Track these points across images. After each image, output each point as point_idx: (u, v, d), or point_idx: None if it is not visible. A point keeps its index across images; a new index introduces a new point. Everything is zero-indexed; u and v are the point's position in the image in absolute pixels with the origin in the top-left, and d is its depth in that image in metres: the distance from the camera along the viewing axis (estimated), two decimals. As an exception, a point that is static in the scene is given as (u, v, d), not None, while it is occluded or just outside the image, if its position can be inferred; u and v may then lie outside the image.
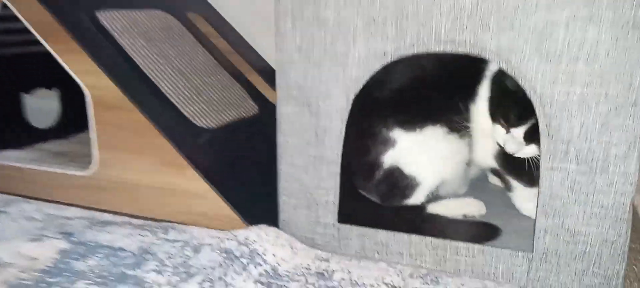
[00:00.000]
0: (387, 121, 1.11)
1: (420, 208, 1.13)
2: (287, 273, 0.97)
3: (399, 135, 1.11)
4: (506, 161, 1.10)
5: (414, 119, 1.10)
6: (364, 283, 0.93)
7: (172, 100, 1.24)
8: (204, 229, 1.10)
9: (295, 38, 1.01)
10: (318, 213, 1.08)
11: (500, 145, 1.03)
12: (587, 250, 0.89)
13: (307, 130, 1.05)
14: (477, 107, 1.10)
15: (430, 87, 1.12)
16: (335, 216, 1.06)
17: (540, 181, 0.90)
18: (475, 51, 0.89)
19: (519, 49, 0.86)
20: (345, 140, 1.03)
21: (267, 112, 1.45)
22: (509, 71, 0.88)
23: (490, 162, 1.14)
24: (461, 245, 0.97)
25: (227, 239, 1.03)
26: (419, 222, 1.09)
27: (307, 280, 0.95)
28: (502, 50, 0.87)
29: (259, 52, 1.75)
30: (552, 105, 0.86)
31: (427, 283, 0.93)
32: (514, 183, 1.12)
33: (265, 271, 0.97)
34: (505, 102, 1.01)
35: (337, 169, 1.04)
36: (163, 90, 1.24)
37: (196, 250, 1.01)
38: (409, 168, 1.11)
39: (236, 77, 1.51)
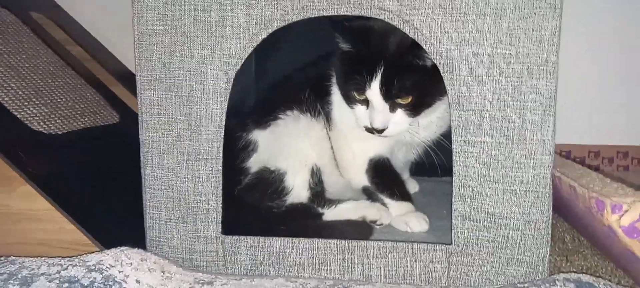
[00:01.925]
0: (245, 125, 1.03)
1: (312, 211, 0.97)
2: (155, 304, 0.73)
3: (257, 135, 1.02)
4: (377, 176, 1.03)
5: (267, 115, 1.03)
6: (256, 304, 0.73)
7: (-3, 98, 0.95)
8: (41, 259, 0.82)
9: (158, 4, 0.82)
10: (196, 225, 0.86)
11: (369, 129, 0.92)
12: (510, 235, 0.78)
13: (177, 121, 0.84)
14: (334, 114, 1.03)
15: (279, 86, 1.12)
16: (218, 227, 0.85)
17: (453, 159, 0.78)
18: (373, 12, 0.77)
19: (421, 7, 0.75)
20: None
21: (129, 121, 1.21)
22: (411, 34, 0.76)
23: (362, 180, 1.04)
24: (371, 244, 0.81)
25: (72, 266, 0.76)
26: (318, 227, 0.93)
27: (182, 309, 0.72)
28: (403, 9, 0.76)
29: (119, 59, 1.50)
30: (461, 70, 0.75)
31: (334, 294, 0.76)
32: (387, 200, 1.02)
33: (124, 303, 0.72)
34: (351, 68, 0.92)
35: (218, 167, 0.84)
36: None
37: (25, 283, 0.73)
38: (274, 164, 1.00)
39: (92, 83, 1.25)
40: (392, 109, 0.90)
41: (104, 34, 1.50)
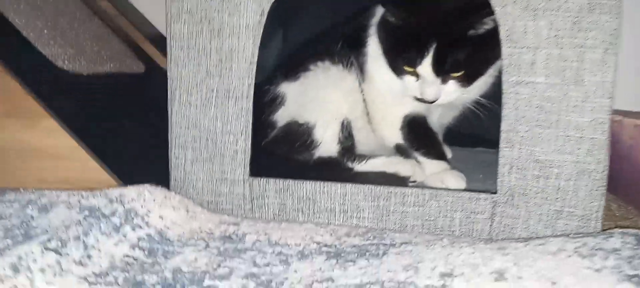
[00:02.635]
0: (272, 78, 0.98)
1: (341, 166, 0.93)
2: (180, 238, 0.69)
3: (286, 88, 0.97)
4: (412, 133, 0.97)
5: (296, 66, 0.98)
6: (287, 243, 0.68)
7: (23, 33, 0.93)
8: (59, 191, 0.78)
9: None
10: (223, 166, 0.82)
11: (418, 99, 0.88)
12: (561, 185, 0.72)
13: (207, 56, 0.80)
14: (369, 67, 0.97)
15: (310, 38, 1.06)
16: (247, 169, 0.81)
17: (502, 102, 0.73)
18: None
19: None
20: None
21: (155, 73, 1.18)
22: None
23: (396, 137, 0.99)
24: (408, 191, 0.76)
25: (93, 196, 0.73)
26: (350, 176, 0.89)
27: (208, 245, 0.68)
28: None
29: (150, 20, 1.46)
30: (515, 3, 0.70)
31: (368, 240, 0.71)
32: (421, 158, 0.96)
33: (148, 235, 0.68)
34: (400, 42, 0.87)
35: (248, 105, 0.80)
36: (10, 19, 0.92)
37: (44, 209, 0.70)
38: (303, 117, 0.95)
39: (119, 34, 1.22)
40: (444, 81, 0.85)
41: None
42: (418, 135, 0.98)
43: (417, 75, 0.87)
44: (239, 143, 0.81)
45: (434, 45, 0.81)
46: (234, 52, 0.79)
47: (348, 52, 0.99)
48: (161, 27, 1.39)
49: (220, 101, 0.80)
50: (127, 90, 1.07)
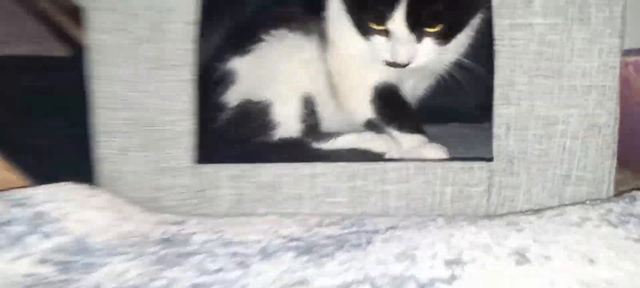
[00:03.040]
0: (218, 53, 0.82)
1: (305, 146, 0.79)
2: (106, 246, 0.54)
3: (236, 63, 0.82)
4: (384, 105, 0.84)
5: (247, 38, 0.83)
6: (245, 241, 0.54)
7: None
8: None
9: None
10: (162, 153, 0.66)
11: (389, 63, 0.75)
12: (567, 144, 0.61)
13: (135, 17, 0.64)
14: (330, 32, 0.83)
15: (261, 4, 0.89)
16: (193, 154, 0.66)
17: (494, 51, 0.61)
18: None
19: None
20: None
21: (82, 57, 1.00)
22: None
23: (366, 111, 0.86)
24: (389, 166, 0.64)
25: (-12, 202, 0.56)
26: (317, 155, 0.75)
27: (142, 252, 0.53)
28: None
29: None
30: None
31: (346, 228, 0.57)
32: (396, 133, 0.84)
33: (62, 245, 0.52)
34: None
35: (191, 75, 0.65)
36: None
37: None
38: (258, 95, 0.80)
39: (38, 15, 1.04)
40: (419, 39, 0.73)
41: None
42: (391, 107, 0.86)
43: (387, 34, 0.74)
44: (182, 123, 0.66)
45: None
46: (169, 10, 0.64)
47: (306, 16, 0.85)
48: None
49: (155, 72, 0.65)
50: (46, 75, 0.90)
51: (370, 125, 0.86)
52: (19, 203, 0.55)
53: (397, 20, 0.70)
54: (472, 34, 0.80)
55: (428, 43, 0.73)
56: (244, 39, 0.84)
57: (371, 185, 0.64)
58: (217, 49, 0.84)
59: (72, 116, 0.79)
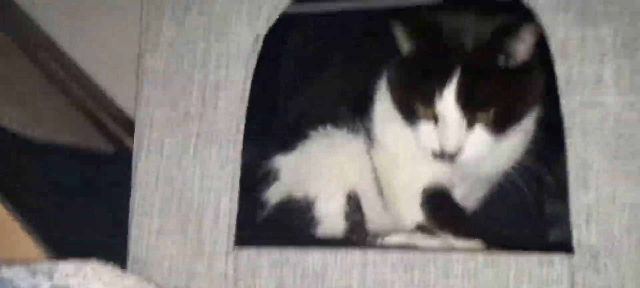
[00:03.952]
0: (266, 151, 0.81)
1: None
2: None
3: (280, 160, 0.80)
4: (435, 209, 0.77)
5: (292, 135, 0.81)
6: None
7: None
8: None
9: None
10: (200, 235, 0.61)
11: (437, 155, 0.69)
12: (661, 236, 0.53)
13: (187, 92, 0.64)
14: (377, 131, 0.79)
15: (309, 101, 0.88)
16: (231, 237, 0.61)
17: (565, 130, 0.56)
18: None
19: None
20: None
21: (125, 156, 1.01)
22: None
23: (416, 215, 0.79)
24: (454, 258, 0.56)
25: (8, 268, 0.51)
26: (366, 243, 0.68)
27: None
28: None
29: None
30: (567, 9, 0.57)
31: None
32: (451, 240, 0.77)
33: (80, 318, 0.46)
34: (414, 77, 0.70)
35: (236, 153, 0.62)
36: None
37: None
38: (301, 190, 0.76)
39: (88, 114, 1.07)
40: (470, 124, 0.67)
41: (109, 85, 1.36)
42: (443, 212, 0.79)
43: (435, 119, 0.69)
44: (223, 202, 0.61)
45: (459, 72, 0.65)
46: (220, 86, 0.63)
47: (354, 115, 0.84)
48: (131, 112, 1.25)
49: (201, 148, 0.63)
50: (89, 167, 0.89)
51: (421, 230, 0.79)
52: (44, 274, 0.50)
53: (448, 100, 0.65)
54: (528, 137, 0.76)
55: (480, 131, 0.66)
56: (289, 136, 0.83)
57: (432, 278, 0.56)
58: (262, 147, 0.83)
59: (107, 206, 0.77)
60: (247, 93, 0.63)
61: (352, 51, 0.90)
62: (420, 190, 0.78)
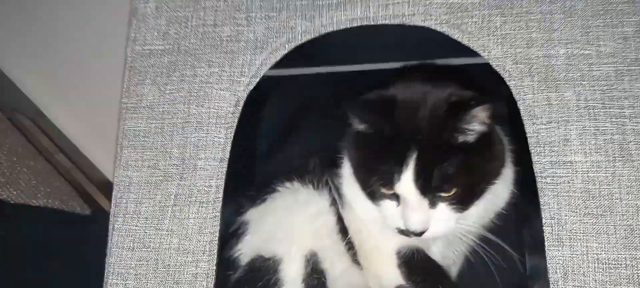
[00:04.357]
0: (240, 207, 0.79)
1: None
2: None
3: (250, 214, 0.78)
4: (413, 271, 0.76)
5: (263, 189, 0.80)
6: None
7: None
8: None
9: (160, 22, 0.69)
10: (177, 299, 0.60)
11: (402, 232, 0.67)
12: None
13: (166, 154, 0.64)
14: (346, 191, 0.78)
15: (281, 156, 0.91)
16: (209, 300, 0.59)
17: (539, 190, 0.58)
18: (417, 19, 0.65)
19: (474, 9, 0.64)
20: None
21: (102, 218, 0.99)
22: (465, 41, 0.63)
23: (394, 277, 0.77)
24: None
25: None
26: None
27: None
28: (453, 14, 0.64)
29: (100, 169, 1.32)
30: (532, 75, 0.61)
31: None
32: None
33: None
34: (367, 159, 0.69)
35: (215, 213, 0.62)
36: None
37: None
38: (269, 250, 0.74)
39: (67, 176, 1.06)
40: (433, 204, 0.65)
41: (87, 146, 1.35)
42: (421, 271, 0.79)
43: (397, 199, 0.67)
44: (201, 264, 0.60)
45: (415, 154, 0.62)
46: (200, 148, 0.64)
47: (322, 172, 0.84)
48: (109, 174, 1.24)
49: (179, 209, 0.62)
50: (65, 228, 0.87)
51: None
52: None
53: (406, 182, 0.63)
54: (503, 195, 0.77)
55: (444, 209, 0.64)
56: (259, 190, 0.82)
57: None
58: (238, 205, 0.82)
59: (83, 267, 0.75)
60: (227, 154, 0.64)
61: (326, 111, 0.92)
62: (394, 253, 0.78)
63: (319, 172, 0.81)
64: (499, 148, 0.67)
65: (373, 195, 0.69)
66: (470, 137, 0.63)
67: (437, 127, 0.64)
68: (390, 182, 0.63)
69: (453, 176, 0.62)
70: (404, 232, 0.66)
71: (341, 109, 0.69)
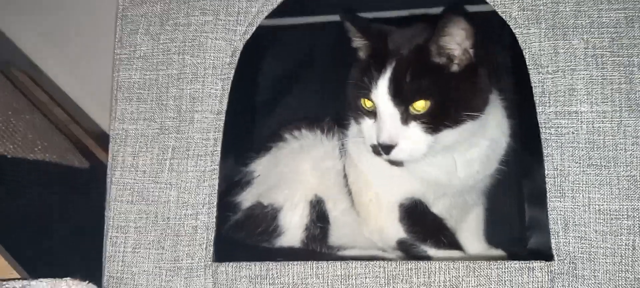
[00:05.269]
0: (244, 158, 0.80)
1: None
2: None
3: (255, 165, 0.79)
4: (415, 223, 0.77)
5: (269, 138, 0.81)
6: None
7: None
8: None
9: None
10: (177, 251, 0.60)
11: (375, 149, 0.68)
12: (637, 243, 0.54)
13: (162, 107, 0.63)
14: (350, 147, 0.79)
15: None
16: (209, 252, 0.59)
17: (542, 141, 0.57)
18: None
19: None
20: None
21: (100, 171, 0.99)
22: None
23: (396, 231, 0.78)
24: (436, 266, 0.56)
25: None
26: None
27: None
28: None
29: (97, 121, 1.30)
30: (539, 22, 0.59)
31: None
32: (432, 250, 0.76)
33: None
34: (356, 75, 0.70)
35: (213, 166, 0.61)
36: None
37: None
38: (268, 197, 0.76)
39: (64, 130, 1.05)
40: (405, 119, 0.66)
41: (83, 99, 1.33)
42: (423, 224, 0.79)
43: (374, 116, 0.69)
44: (200, 217, 0.60)
45: (393, 65, 0.65)
46: (196, 99, 0.62)
47: (331, 122, 0.83)
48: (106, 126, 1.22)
49: (177, 162, 0.61)
50: (63, 182, 0.87)
51: (402, 248, 0.78)
52: (14, 290, 0.48)
53: (381, 91, 0.65)
54: (498, 146, 0.76)
55: (414, 128, 0.65)
56: (265, 139, 0.82)
57: (423, 279, 0.55)
58: (241, 156, 0.82)
59: (82, 222, 0.75)
60: (224, 106, 0.62)
61: (334, 61, 0.90)
62: (397, 206, 0.78)
63: (330, 122, 0.81)
64: (482, 83, 0.67)
65: (358, 115, 0.71)
66: (453, 64, 0.65)
67: (417, 45, 0.67)
68: (368, 91, 0.66)
69: (425, 90, 0.64)
70: (376, 149, 0.68)
71: (340, 17, 0.72)
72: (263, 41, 0.83)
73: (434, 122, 0.65)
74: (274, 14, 0.65)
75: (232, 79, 0.63)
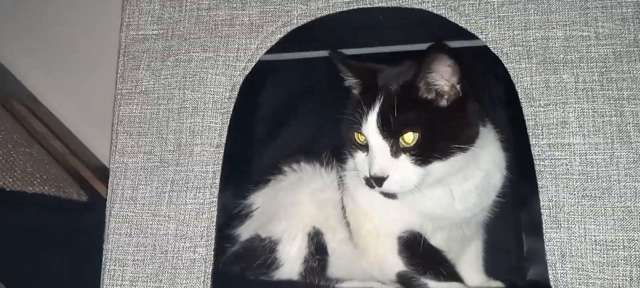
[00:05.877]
0: (244, 191, 0.80)
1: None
2: None
3: (255, 198, 0.80)
4: (414, 255, 0.77)
5: (267, 171, 0.81)
6: None
7: None
8: None
9: (154, 6, 0.68)
10: (175, 284, 0.59)
11: (368, 181, 0.69)
12: (633, 274, 0.54)
13: (162, 140, 0.64)
14: (348, 180, 0.79)
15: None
16: (207, 285, 0.59)
17: (537, 172, 0.58)
18: (414, 1, 0.64)
19: (473, -9, 0.63)
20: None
21: (99, 205, 0.99)
22: (462, 23, 0.63)
23: (395, 264, 0.78)
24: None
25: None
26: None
27: None
28: (451, -5, 0.63)
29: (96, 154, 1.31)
30: (530, 57, 0.60)
31: None
32: (433, 283, 0.76)
33: None
34: (348, 111, 0.72)
35: (212, 198, 0.62)
36: None
37: None
38: (267, 230, 0.75)
39: (63, 163, 1.06)
40: (394, 152, 0.68)
41: (82, 132, 1.34)
42: (422, 255, 0.79)
43: (366, 148, 0.70)
44: (198, 250, 0.60)
45: (382, 99, 0.67)
46: (196, 133, 0.63)
47: (331, 159, 0.84)
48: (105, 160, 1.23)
49: (176, 195, 0.62)
50: (62, 215, 0.87)
51: (403, 281, 0.78)
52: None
53: (371, 124, 0.67)
54: (494, 179, 0.77)
55: (405, 161, 0.66)
56: (263, 172, 0.82)
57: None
58: (239, 188, 0.82)
59: (80, 255, 0.75)
60: (224, 139, 0.63)
61: (332, 93, 0.91)
62: (395, 240, 0.78)
63: (329, 155, 0.82)
64: (471, 117, 0.68)
65: (352, 149, 0.73)
66: (442, 99, 0.67)
67: (405, 81, 0.68)
68: (359, 125, 0.68)
69: (413, 122, 0.66)
70: (369, 182, 0.69)
71: (330, 57, 0.75)
72: (261, 74, 0.85)
73: (424, 154, 0.66)
74: (273, 49, 0.67)
75: (231, 112, 0.64)
